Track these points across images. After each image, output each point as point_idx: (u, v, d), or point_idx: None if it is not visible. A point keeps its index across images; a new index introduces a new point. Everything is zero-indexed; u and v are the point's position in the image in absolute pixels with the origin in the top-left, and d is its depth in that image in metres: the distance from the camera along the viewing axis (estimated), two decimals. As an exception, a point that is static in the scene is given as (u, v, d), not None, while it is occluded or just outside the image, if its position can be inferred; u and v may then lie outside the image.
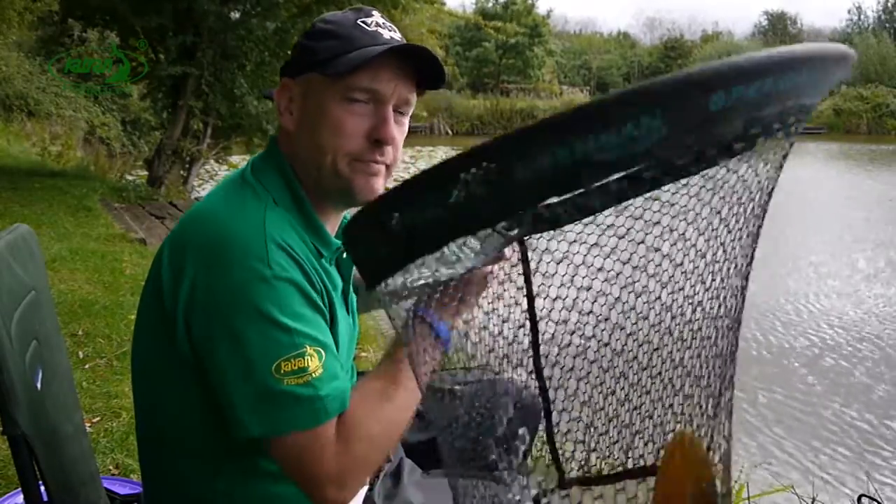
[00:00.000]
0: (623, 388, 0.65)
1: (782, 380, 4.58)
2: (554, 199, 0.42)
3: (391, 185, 0.52)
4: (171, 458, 0.95)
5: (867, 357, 4.96)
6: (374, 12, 0.95)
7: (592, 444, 0.65)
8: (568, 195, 0.42)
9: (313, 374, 0.81)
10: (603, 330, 0.66)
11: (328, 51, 0.90)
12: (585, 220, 0.48)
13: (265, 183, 0.92)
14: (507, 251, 0.65)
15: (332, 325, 0.92)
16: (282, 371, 0.80)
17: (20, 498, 1.58)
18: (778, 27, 56.18)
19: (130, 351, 1.03)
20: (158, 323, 0.89)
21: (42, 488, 0.91)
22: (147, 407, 0.99)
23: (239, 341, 0.81)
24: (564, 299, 0.63)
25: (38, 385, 0.97)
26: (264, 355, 0.80)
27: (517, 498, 0.66)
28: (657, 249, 0.54)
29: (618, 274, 0.59)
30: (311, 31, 0.95)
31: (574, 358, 0.68)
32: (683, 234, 0.52)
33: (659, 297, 0.60)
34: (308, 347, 0.81)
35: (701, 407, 0.62)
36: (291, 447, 0.82)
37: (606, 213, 0.46)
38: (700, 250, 0.53)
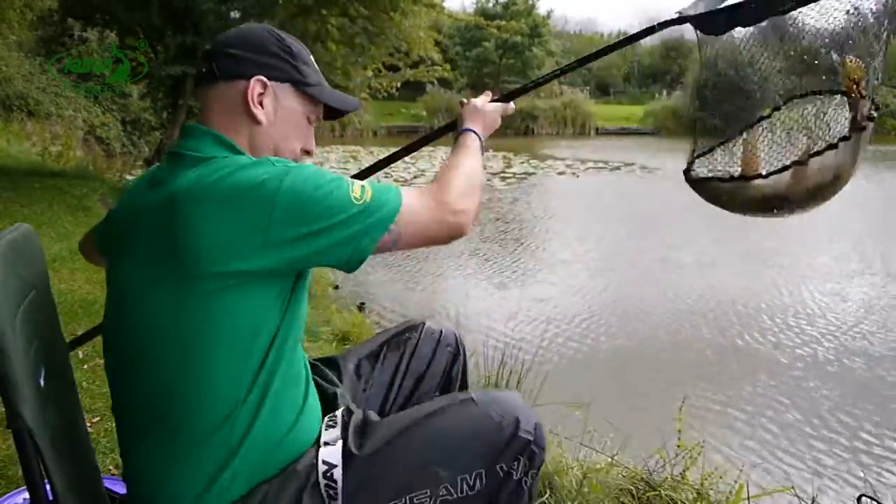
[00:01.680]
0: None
1: (782, 379, 4.58)
2: None
3: None
4: (198, 400, 1.01)
5: (864, 352, 4.97)
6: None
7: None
8: None
9: (369, 186, 1.04)
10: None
11: (307, 76, 1.15)
12: None
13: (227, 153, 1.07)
14: None
15: None
16: (353, 195, 1.00)
17: (20, 498, 1.59)
18: (778, 27, 56.12)
19: (122, 332, 1.05)
20: (179, 275, 0.96)
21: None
22: (163, 370, 1.01)
23: (315, 206, 0.97)
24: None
25: (41, 383, 0.97)
26: (339, 199, 0.99)
27: None
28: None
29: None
30: (289, 48, 1.14)
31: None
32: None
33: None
34: (347, 179, 1.04)
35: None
36: (405, 227, 1.04)
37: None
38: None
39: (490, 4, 34.23)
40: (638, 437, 3.58)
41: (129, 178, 10.18)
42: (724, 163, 1.41)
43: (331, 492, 1.05)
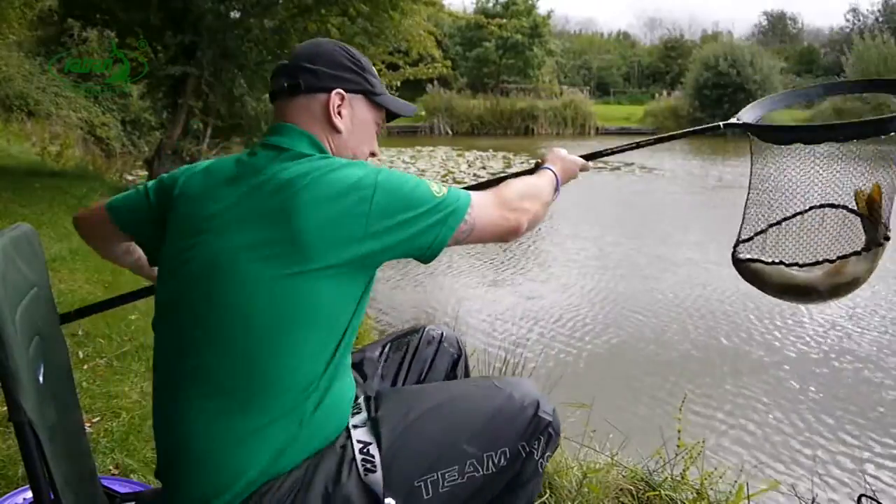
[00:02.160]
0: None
1: (781, 377, 4.58)
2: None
3: None
4: (280, 383, 1.07)
5: (859, 349, 4.97)
6: None
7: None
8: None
9: (443, 184, 1.16)
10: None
11: (375, 87, 1.26)
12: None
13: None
14: None
15: None
16: (433, 190, 1.13)
17: (20, 498, 1.59)
18: (778, 27, 56.21)
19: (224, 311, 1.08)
20: (291, 262, 1.04)
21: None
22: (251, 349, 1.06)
23: (405, 199, 1.10)
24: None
25: (41, 379, 0.97)
26: (423, 193, 1.12)
27: None
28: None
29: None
30: (359, 61, 1.25)
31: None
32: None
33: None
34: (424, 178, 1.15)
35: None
36: (476, 219, 1.16)
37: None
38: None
39: (490, 4, 34.20)
40: (638, 437, 3.59)
41: (129, 178, 10.19)
42: (763, 250, 1.66)
43: (368, 465, 1.10)
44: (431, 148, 20.65)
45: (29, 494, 1.28)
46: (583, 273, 7.26)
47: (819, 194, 1.57)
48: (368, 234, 1.06)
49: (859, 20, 47.90)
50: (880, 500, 2.05)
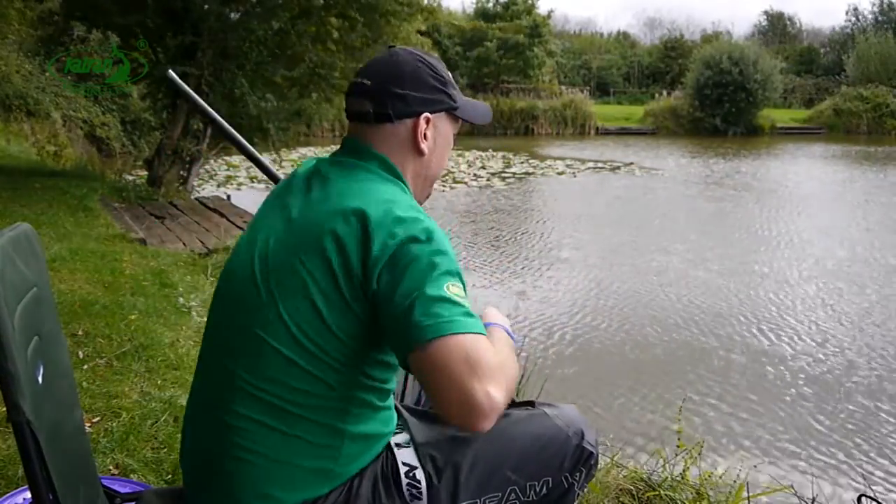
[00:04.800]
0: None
1: (783, 378, 4.58)
2: None
3: None
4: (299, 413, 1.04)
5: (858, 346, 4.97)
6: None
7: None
8: None
9: (465, 299, 0.99)
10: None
11: (456, 100, 1.20)
12: None
13: (396, 181, 1.14)
14: None
15: None
16: (451, 290, 0.97)
17: (20, 498, 1.58)
18: (777, 27, 56.17)
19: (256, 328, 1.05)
20: (332, 291, 1.01)
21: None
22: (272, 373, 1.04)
23: (423, 266, 0.98)
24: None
25: (40, 380, 0.97)
26: (441, 275, 0.98)
27: None
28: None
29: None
30: (442, 76, 1.18)
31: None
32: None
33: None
34: (459, 278, 1.01)
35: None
36: (459, 347, 0.93)
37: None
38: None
39: (490, 4, 34.20)
40: (638, 437, 3.59)
41: (129, 177, 10.18)
42: None
43: (414, 491, 1.10)
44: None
45: (29, 494, 1.28)
46: (582, 272, 7.26)
47: None
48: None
49: (859, 20, 47.85)
50: (880, 500, 2.05)
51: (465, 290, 1.01)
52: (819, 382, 4.53)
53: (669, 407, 3.95)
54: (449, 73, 1.22)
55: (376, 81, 1.14)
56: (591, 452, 1.20)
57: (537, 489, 1.15)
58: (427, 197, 1.25)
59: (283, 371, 1.02)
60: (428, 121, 1.16)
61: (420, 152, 1.17)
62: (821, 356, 4.98)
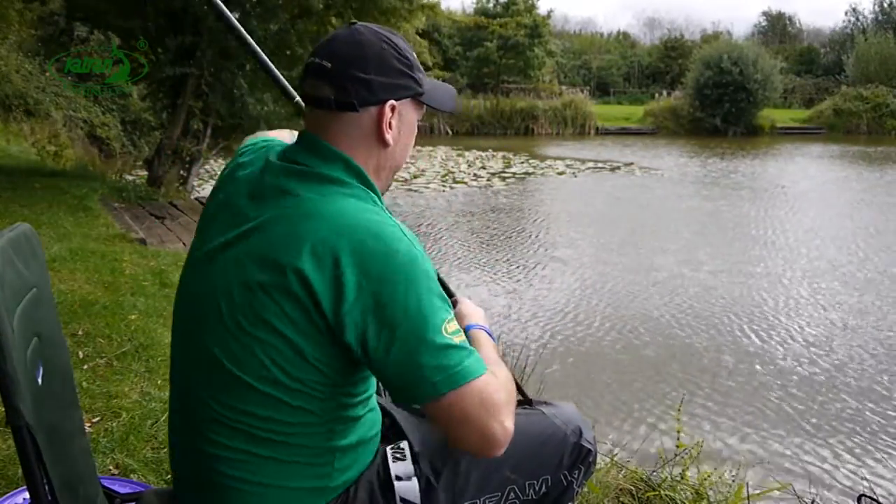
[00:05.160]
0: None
1: (783, 378, 4.58)
2: None
3: None
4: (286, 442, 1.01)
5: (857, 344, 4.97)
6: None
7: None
8: None
9: (461, 334, 0.97)
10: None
11: (422, 84, 1.10)
12: None
13: (362, 188, 1.05)
14: None
15: None
16: (448, 332, 0.94)
17: (20, 498, 1.58)
18: (777, 27, 56.17)
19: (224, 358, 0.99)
20: (307, 326, 0.95)
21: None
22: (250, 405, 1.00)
23: (413, 312, 0.93)
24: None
25: (39, 381, 0.97)
26: (434, 312, 0.94)
27: None
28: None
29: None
30: (408, 59, 1.08)
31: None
32: None
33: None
34: (442, 298, 0.97)
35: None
36: (472, 394, 0.94)
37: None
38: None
39: (490, 4, 34.20)
40: (637, 437, 3.59)
41: (129, 177, 10.17)
42: None
43: (410, 495, 1.09)
44: (431, 148, 20.63)
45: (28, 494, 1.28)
46: (580, 273, 7.26)
47: None
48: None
49: (859, 20, 47.84)
50: (880, 500, 2.06)
51: (448, 305, 0.97)
52: (819, 382, 4.53)
53: (670, 407, 3.95)
54: (414, 54, 1.11)
55: (338, 64, 1.03)
56: (590, 450, 1.21)
57: (536, 488, 1.16)
58: (388, 187, 1.15)
59: (261, 405, 0.98)
60: (393, 109, 1.06)
61: (385, 143, 1.08)
62: (821, 356, 4.98)
